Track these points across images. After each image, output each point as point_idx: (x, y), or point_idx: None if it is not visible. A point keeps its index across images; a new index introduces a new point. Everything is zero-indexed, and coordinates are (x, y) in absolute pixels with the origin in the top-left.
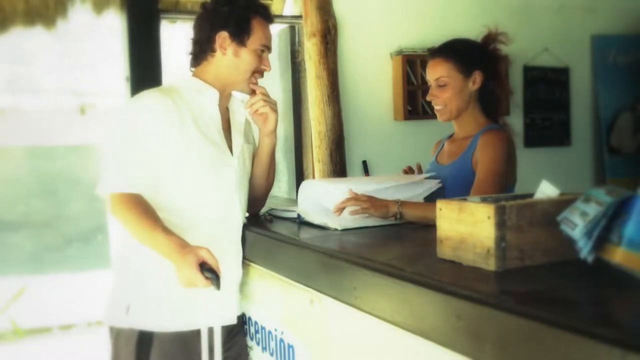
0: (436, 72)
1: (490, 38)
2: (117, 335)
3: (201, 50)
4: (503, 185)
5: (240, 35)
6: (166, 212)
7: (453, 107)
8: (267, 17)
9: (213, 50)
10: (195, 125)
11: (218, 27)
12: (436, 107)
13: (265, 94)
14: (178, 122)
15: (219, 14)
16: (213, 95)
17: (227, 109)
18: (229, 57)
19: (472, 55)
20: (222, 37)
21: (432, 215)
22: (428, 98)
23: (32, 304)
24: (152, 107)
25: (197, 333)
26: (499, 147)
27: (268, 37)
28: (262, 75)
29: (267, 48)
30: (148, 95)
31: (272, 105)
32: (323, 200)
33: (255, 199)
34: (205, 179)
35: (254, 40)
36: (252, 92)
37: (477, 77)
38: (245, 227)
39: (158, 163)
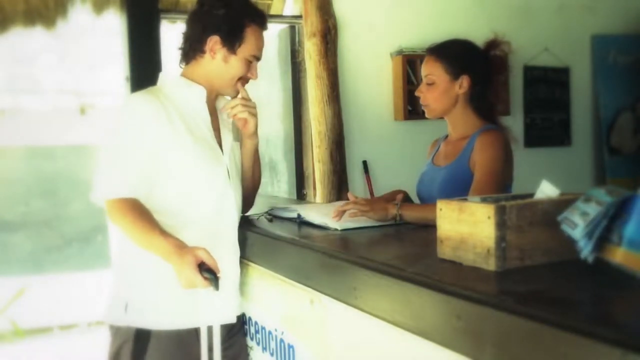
0: (426, 69)
1: (494, 45)
2: (115, 333)
3: (191, 48)
4: (502, 185)
5: (231, 42)
6: (160, 214)
7: (437, 107)
8: (263, 24)
9: (202, 52)
10: (184, 124)
11: (210, 30)
12: (423, 103)
13: (245, 98)
14: (167, 122)
15: (214, 16)
16: (200, 93)
17: (216, 108)
18: (217, 61)
19: (464, 59)
20: (213, 41)
21: (432, 216)
22: (416, 93)
23: (32, 304)
24: (140, 109)
25: (194, 332)
26: (497, 147)
27: (260, 47)
28: (247, 82)
29: (257, 58)
30: (135, 99)
31: (251, 109)
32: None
33: (243, 200)
34: (197, 178)
35: (245, 49)
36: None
37: (465, 82)
38: (245, 227)
39: (150, 165)
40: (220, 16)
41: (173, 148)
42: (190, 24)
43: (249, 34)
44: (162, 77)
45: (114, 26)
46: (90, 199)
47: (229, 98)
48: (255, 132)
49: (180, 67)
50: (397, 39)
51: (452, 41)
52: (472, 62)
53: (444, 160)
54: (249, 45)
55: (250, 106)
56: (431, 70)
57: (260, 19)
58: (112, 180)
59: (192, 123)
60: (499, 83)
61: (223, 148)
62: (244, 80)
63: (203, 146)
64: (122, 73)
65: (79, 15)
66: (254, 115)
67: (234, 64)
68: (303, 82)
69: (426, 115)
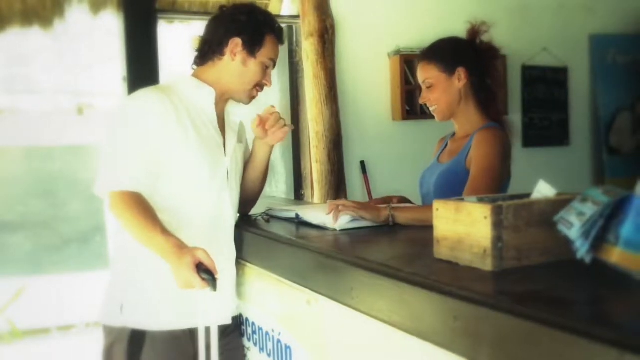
0: (422, 75)
1: (474, 32)
2: (110, 333)
3: (210, 51)
4: (498, 183)
5: (252, 45)
6: (159, 211)
7: (444, 106)
8: (280, 37)
9: (222, 54)
10: (192, 124)
11: (232, 33)
12: (430, 108)
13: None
14: (174, 118)
15: (237, 21)
16: (209, 94)
17: (223, 111)
18: (236, 63)
19: (454, 53)
20: (235, 43)
21: (425, 217)
22: (420, 101)
23: (30, 304)
24: (149, 105)
25: (189, 332)
26: (493, 144)
27: (277, 53)
28: (262, 89)
29: (274, 63)
30: (145, 94)
31: (290, 127)
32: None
33: (248, 200)
34: (198, 177)
35: (264, 53)
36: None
37: (462, 74)
38: (242, 227)
39: (155, 159)
40: (244, 21)
41: (177, 145)
42: (212, 27)
43: (268, 41)
44: (171, 76)
45: (111, 26)
46: (94, 192)
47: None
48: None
49: (193, 68)
50: (395, 39)
51: (438, 41)
52: (462, 53)
53: (448, 158)
54: (267, 50)
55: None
56: (427, 75)
57: (279, 31)
58: (116, 173)
59: (199, 122)
60: (493, 68)
61: (226, 149)
62: (259, 87)
63: (207, 146)
64: (119, 73)
65: (76, 16)
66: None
67: (252, 68)
68: (301, 82)
69: (437, 119)
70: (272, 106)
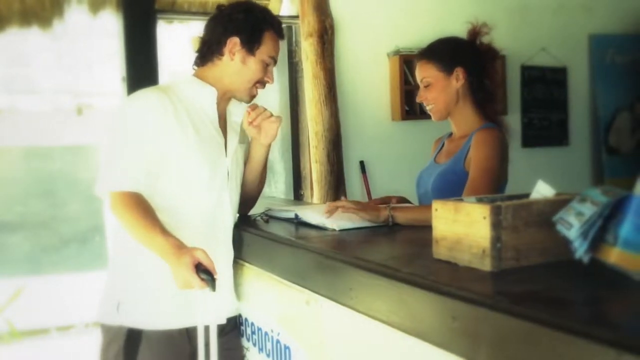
0: (420, 74)
1: (474, 33)
2: (107, 332)
3: (209, 51)
4: (496, 184)
5: (250, 44)
6: (158, 211)
7: (441, 106)
8: (279, 32)
9: (221, 54)
10: (192, 124)
11: (230, 32)
12: (427, 107)
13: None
14: (174, 119)
15: (234, 20)
16: (211, 94)
17: (225, 111)
18: (235, 63)
19: (452, 53)
20: (233, 43)
21: (424, 217)
22: (417, 100)
23: (29, 305)
24: (148, 105)
25: (185, 332)
26: (493, 146)
27: (276, 50)
28: (263, 86)
29: (274, 60)
30: (145, 94)
31: (279, 118)
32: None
33: (247, 201)
34: (198, 177)
35: (263, 51)
36: (250, 101)
37: (460, 74)
38: (241, 227)
39: (155, 161)
40: (241, 20)
41: (177, 145)
42: (210, 27)
43: (267, 37)
44: (171, 76)
45: (110, 26)
46: (94, 192)
47: (244, 105)
48: (272, 141)
49: (194, 68)
50: (394, 39)
51: (437, 41)
52: (461, 53)
53: (445, 158)
54: (267, 48)
55: (275, 116)
56: (425, 73)
57: (277, 26)
58: (116, 173)
59: (199, 122)
60: (492, 68)
61: (227, 150)
62: (260, 84)
63: (208, 146)
64: (118, 73)
65: (75, 16)
66: (276, 123)
67: (252, 66)
68: (300, 82)
69: (433, 119)
70: (249, 106)
